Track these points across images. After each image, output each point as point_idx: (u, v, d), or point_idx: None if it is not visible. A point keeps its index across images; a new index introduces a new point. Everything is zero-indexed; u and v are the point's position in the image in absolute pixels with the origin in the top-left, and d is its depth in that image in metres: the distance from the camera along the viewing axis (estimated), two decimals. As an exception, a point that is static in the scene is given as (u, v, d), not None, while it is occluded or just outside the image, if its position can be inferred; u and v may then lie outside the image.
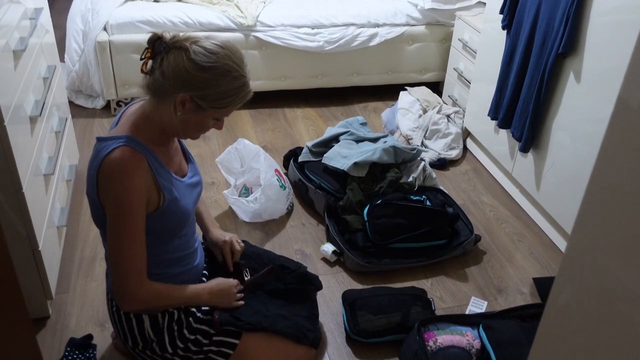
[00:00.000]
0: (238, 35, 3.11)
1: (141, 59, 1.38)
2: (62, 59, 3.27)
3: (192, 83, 1.34)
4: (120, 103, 3.19)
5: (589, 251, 0.96)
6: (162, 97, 1.38)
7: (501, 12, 2.49)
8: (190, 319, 1.59)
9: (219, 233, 1.76)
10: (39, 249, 1.75)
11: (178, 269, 1.57)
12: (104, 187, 1.36)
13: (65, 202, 2.20)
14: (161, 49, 1.35)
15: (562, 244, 2.31)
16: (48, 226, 1.88)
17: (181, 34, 1.39)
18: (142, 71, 1.39)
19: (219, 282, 1.64)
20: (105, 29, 3.01)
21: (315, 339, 1.71)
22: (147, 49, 1.37)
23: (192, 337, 1.58)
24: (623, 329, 0.89)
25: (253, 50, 3.15)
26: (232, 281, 1.65)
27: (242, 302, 1.66)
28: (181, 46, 1.35)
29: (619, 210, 0.88)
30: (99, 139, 1.41)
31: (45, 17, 2.26)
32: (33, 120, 1.85)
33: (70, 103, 3.16)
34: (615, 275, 0.90)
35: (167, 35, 1.36)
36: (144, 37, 3.00)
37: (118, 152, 1.35)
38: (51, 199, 1.97)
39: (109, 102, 3.19)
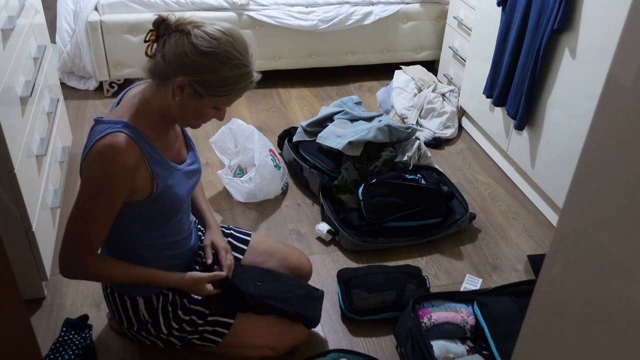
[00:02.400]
0: (231, 14, 3.08)
1: (145, 42, 1.36)
2: (53, 40, 3.23)
3: (191, 67, 1.32)
4: (113, 84, 3.16)
5: (580, 224, 0.96)
6: (162, 81, 1.36)
7: (496, -12, 2.47)
8: (185, 300, 1.59)
9: (219, 238, 1.68)
10: (33, 230, 1.74)
11: (170, 252, 1.56)
12: (87, 166, 1.34)
13: (58, 183, 2.19)
14: (165, 31, 1.34)
15: (556, 221, 2.32)
16: (41, 207, 1.87)
17: (187, 16, 1.36)
18: (146, 54, 1.37)
19: (191, 274, 1.55)
20: (96, 8, 2.97)
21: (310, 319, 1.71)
22: (151, 31, 1.35)
23: (187, 317, 1.59)
24: (613, 301, 0.90)
25: (246, 29, 3.12)
26: (204, 276, 1.55)
27: (214, 291, 1.57)
28: (184, 29, 1.33)
29: (609, 185, 0.88)
30: (97, 121, 1.39)
31: (35, -3, 2.23)
32: (24, 101, 1.83)
33: (63, 85, 3.13)
34: (605, 248, 0.90)
35: (172, 18, 1.34)
36: (135, 16, 2.97)
37: (110, 137, 1.33)
38: (44, 181, 1.96)
39: (101, 83, 3.17)
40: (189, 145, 1.59)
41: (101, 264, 1.45)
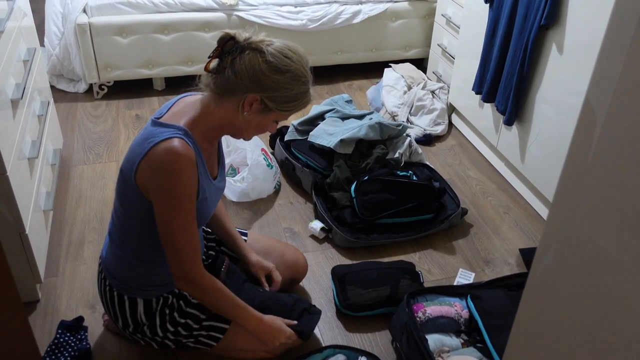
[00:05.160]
0: (220, 15, 3.08)
1: (208, 57, 1.38)
2: (42, 43, 3.22)
3: (266, 84, 1.36)
4: (103, 86, 3.15)
5: (570, 218, 0.98)
6: (228, 96, 1.39)
7: (484, -15, 2.49)
8: (182, 302, 1.60)
9: (257, 258, 1.82)
10: (26, 232, 1.74)
11: None
12: (153, 174, 1.36)
13: (50, 186, 2.19)
14: (233, 49, 1.36)
15: (547, 215, 2.34)
16: (34, 210, 1.86)
17: (253, 35, 1.39)
18: (206, 69, 1.39)
19: (275, 320, 1.64)
20: (84, 11, 2.96)
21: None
22: (217, 47, 1.37)
23: (183, 321, 1.59)
24: (603, 292, 0.91)
25: (236, 30, 3.12)
26: (287, 330, 1.64)
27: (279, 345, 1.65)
28: (256, 47, 1.36)
29: (598, 179, 0.90)
30: (155, 122, 1.41)
31: (23, 0, 2.22)
32: (14, 103, 1.83)
33: (52, 88, 3.13)
34: (595, 240, 0.92)
35: (240, 36, 1.37)
36: (124, 18, 2.96)
37: (175, 142, 1.34)
38: (36, 183, 1.96)
39: (91, 85, 3.16)
40: (220, 162, 1.61)
41: (212, 277, 1.50)
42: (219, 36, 1.37)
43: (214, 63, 1.39)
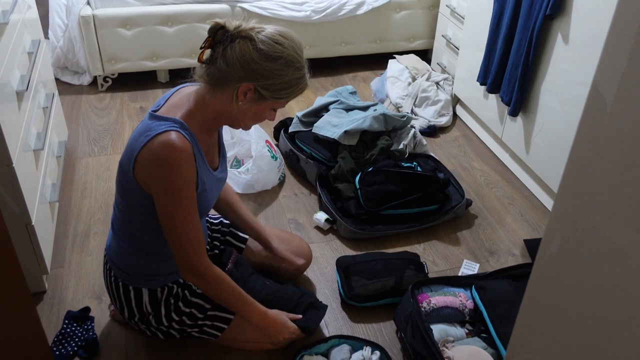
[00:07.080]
0: (224, 6, 3.08)
1: (200, 48, 1.37)
2: (46, 36, 3.23)
3: (258, 72, 1.34)
4: (107, 79, 3.15)
5: (575, 208, 0.98)
6: (221, 86, 1.37)
7: (488, -25, 2.48)
8: (186, 291, 1.61)
9: (282, 246, 1.85)
10: (32, 224, 1.75)
11: None
12: (151, 168, 1.36)
13: (56, 178, 2.20)
14: (224, 38, 1.34)
15: (551, 205, 2.34)
16: (40, 202, 1.87)
17: (243, 23, 1.37)
18: (199, 60, 1.38)
19: (279, 315, 1.64)
20: (88, 2, 2.96)
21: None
22: (208, 38, 1.36)
23: (188, 310, 1.60)
24: (607, 282, 0.91)
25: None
26: (291, 325, 1.65)
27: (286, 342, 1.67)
28: (247, 35, 1.34)
29: (603, 170, 0.89)
30: (152, 116, 1.41)
31: (27, -8, 2.23)
32: (20, 95, 1.83)
33: (57, 80, 3.13)
34: (599, 230, 0.92)
35: (230, 25, 1.35)
36: (128, 10, 2.96)
37: (171, 135, 1.34)
38: (42, 175, 1.97)
39: (95, 78, 3.16)
40: (221, 152, 1.61)
41: (217, 268, 1.51)
42: (209, 26, 1.36)
43: (207, 54, 1.37)
